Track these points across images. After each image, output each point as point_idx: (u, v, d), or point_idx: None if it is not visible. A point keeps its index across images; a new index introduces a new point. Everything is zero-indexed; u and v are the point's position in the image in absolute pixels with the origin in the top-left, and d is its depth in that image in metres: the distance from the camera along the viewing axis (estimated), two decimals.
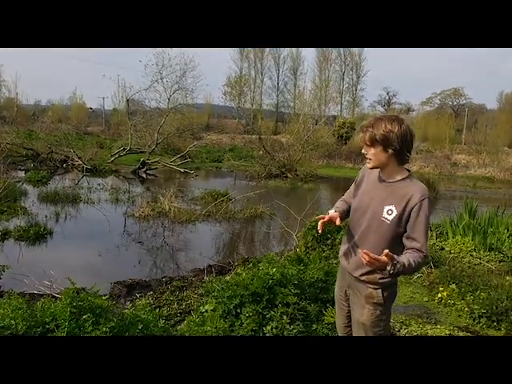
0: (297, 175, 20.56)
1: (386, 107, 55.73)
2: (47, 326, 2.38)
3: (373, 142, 2.24)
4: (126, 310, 3.26)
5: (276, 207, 11.01)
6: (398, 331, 4.69)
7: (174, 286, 5.09)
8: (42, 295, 4.57)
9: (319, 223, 2.48)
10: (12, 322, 2.29)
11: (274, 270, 4.49)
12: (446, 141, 36.57)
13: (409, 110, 55.90)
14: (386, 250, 2.09)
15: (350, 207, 2.59)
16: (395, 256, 2.14)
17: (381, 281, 2.38)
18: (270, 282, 4.21)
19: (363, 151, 2.35)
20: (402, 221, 2.25)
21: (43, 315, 2.46)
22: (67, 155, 19.40)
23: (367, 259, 2.09)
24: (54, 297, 4.46)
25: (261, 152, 23.21)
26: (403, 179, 2.29)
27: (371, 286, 2.41)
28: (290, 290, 4.20)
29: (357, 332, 2.57)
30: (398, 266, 2.14)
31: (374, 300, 2.42)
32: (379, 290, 2.40)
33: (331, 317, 3.95)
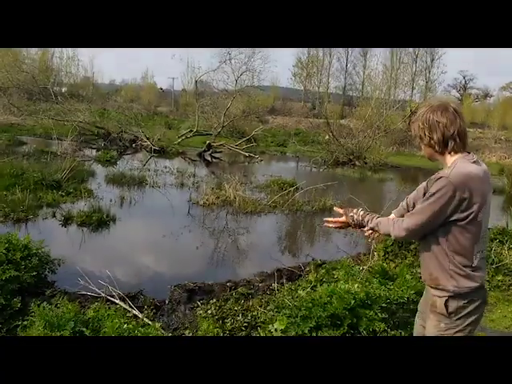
0: (365, 163, 19.44)
1: (462, 92, 52.02)
2: None
3: (415, 137, 2.26)
4: None
5: (346, 199, 10.21)
6: None
7: (238, 292, 4.58)
8: (97, 297, 4.24)
9: None
10: None
11: (356, 286, 3.83)
12: None
13: (486, 95, 52.15)
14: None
15: None
16: (349, 209, 2.40)
17: (443, 287, 2.15)
18: (352, 302, 3.55)
19: None
20: None
21: None
22: (136, 135, 19.63)
23: (330, 225, 2.49)
24: (108, 300, 4.14)
25: (327, 137, 22.22)
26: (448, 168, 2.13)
27: (435, 294, 2.20)
28: (376, 314, 3.53)
29: None
30: (356, 216, 2.34)
31: (437, 310, 2.19)
32: (443, 299, 2.16)
33: None
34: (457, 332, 2.15)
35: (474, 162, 2.14)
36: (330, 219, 2.50)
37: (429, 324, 2.28)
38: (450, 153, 2.16)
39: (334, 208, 2.52)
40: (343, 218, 2.42)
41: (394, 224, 2.20)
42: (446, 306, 2.16)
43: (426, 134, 2.15)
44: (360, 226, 2.36)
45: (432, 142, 2.15)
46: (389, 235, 2.25)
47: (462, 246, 2.11)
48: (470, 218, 2.06)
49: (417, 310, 3.94)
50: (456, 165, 2.10)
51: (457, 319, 2.15)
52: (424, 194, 2.28)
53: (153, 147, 18.30)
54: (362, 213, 2.36)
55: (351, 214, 2.37)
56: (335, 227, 2.50)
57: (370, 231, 2.37)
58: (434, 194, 2.07)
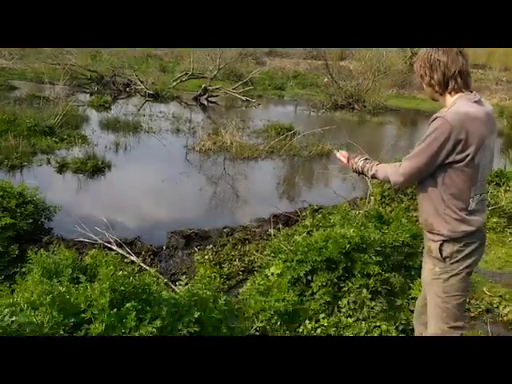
0: (364, 106, 19.06)
1: None
2: (83, 315, 1.93)
3: (417, 76, 2.20)
4: (179, 290, 2.78)
5: (344, 143, 10.11)
6: (497, 308, 3.97)
7: (235, 238, 4.61)
8: (94, 244, 4.26)
9: None
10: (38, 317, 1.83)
11: (352, 231, 3.84)
12: None
13: None
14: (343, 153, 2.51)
15: None
16: (352, 155, 2.45)
17: (438, 232, 2.14)
18: (347, 246, 3.58)
19: None
20: None
21: (78, 301, 2.00)
22: (130, 79, 19.07)
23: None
24: (105, 247, 4.17)
25: (326, 80, 21.61)
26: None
27: (431, 238, 2.20)
28: (370, 257, 3.57)
29: (424, 293, 2.40)
30: (355, 166, 2.38)
31: (432, 254, 2.19)
32: (437, 243, 2.14)
33: (419, 290, 3.31)
34: (452, 276, 2.14)
35: (476, 102, 2.05)
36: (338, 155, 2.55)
37: (425, 268, 2.29)
38: (450, 93, 2.08)
39: (339, 153, 2.55)
40: (346, 161, 2.47)
41: (392, 170, 2.17)
42: (440, 250, 2.14)
43: (427, 73, 2.07)
44: (360, 173, 2.40)
45: (432, 81, 2.08)
46: (388, 182, 2.23)
47: (459, 189, 2.07)
48: (467, 160, 2.01)
49: (412, 254, 4.01)
50: (455, 104, 2.03)
51: (452, 263, 2.14)
52: None
53: (147, 91, 17.82)
54: (361, 163, 2.36)
55: (352, 161, 2.42)
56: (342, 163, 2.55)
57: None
58: (429, 134, 2.01)
